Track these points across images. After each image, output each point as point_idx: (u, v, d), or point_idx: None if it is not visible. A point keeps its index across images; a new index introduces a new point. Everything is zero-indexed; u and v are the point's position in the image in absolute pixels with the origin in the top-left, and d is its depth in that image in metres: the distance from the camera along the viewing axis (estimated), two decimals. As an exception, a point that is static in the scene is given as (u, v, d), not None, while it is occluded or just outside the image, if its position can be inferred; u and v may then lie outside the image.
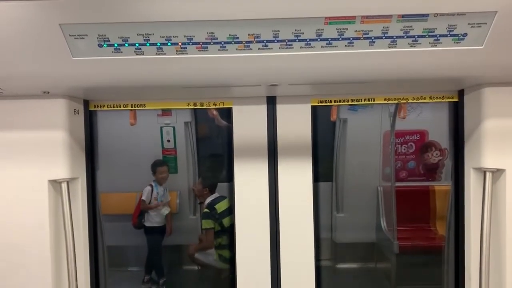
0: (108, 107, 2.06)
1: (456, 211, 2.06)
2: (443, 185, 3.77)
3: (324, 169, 3.63)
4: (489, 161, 1.81)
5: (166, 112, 3.59)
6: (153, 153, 3.73)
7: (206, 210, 3.38)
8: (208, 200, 3.41)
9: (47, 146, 1.85)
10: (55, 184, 1.88)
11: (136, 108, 2.04)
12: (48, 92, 1.78)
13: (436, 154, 3.82)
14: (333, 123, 3.56)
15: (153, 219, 3.56)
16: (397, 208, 3.48)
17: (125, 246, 3.67)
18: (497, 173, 1.82)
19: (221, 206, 3.32)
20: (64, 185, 1.87)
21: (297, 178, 2.02)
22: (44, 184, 1.85)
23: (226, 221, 3.23)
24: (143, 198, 3.49)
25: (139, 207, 3.54)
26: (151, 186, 3.50)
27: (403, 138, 3.90)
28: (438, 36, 1.43)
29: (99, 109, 2.06)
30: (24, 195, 1.86)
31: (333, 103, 2.02)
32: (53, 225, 1.89)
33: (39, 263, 1.87)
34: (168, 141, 3.84)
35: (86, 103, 2.03)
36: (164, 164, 3.61)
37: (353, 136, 3.71)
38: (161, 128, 3.79)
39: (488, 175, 1.81)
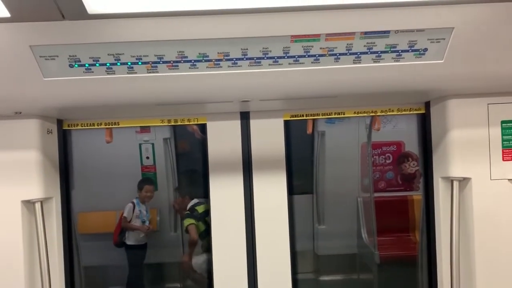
0: (82, 126, 2.05)
1: (428, 219, 2.11)
2: (421, 195, 3.83)
3: (304, 181, 3.66)
4: (456, 170, 1.87)
5: (144, 129, 3.58)
6: (132, 171, 3.70)
7: (187, 212, 3.34)
8: (189, 206, 3.37)
9: (20, 167, 1.83)
10: (28, 204, 1.86)
11: (110, 126, 2.04)
12: (20, 113, 1.78)
13: (413, 164, 3.88)
14: (312, 136, 3.61)
15: (133, 237, 3.51)
16: (377, 219, 3.51)
17: (105, 266, 3.60)
18: (464, 181, 1.88)
19: (201, 208, 3.30)
20: (37, 205, 1.85)
21: (272, 191, 2.05)
22: (17, 205, 1.83)
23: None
24: (125, 215, 3.43)
25: (120, 224, 3.49)
26: (133, 203, 3.46)
27: (380, 149, 3.96)
28: (400, 51, 1.49)
29: (73, 128, 2.06)
30: None
31: (305, 117, 2.07)
32: (27, 246, 1.86)
33: (12, 286, 1.83)
34: (147, 158, 3.82)
35: (59, 122, 2.03)
36: (152, 183, 3.56)
37: (332, 148, 3.75)
38: (140, 145, 3.77)
39: (455, 183, 1.87)
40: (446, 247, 1.92)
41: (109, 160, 3.36)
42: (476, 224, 1.84)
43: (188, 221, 3.34)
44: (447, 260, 1.90)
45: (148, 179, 3.61)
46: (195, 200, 3.38)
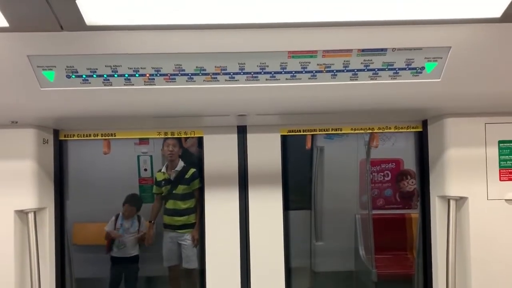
0: (78, 137, 2.05)
1: (424, 238, 2.08)
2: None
3: (302, 196, 3.64)
4: (453, 189, 1.86)
5: (143, 141, 3.57)
6: (129, 183, 3.68)
7: (193, 169, 3.12)
8: (181, 163, 3.24)
9: (14, 176, 1.82)
10: (21, 214, 1.84)
11: (107, 137, 2.04)
12: (17, 122, 1.78)
13: (412, 182, 3.87)
14: (310, 152, 3.60)
15: (115, 249, 3.42)
16: (375, 236, 3.49)
17: (99, 279, 3.55)
18: (461, 200, 1.87)
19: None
20: (31, 216, 1.83)
21: (268, 206, 2.03)
22: (10, 214, 1.82)
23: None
24: (105, 228, 3.39)
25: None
26: (116, 216, 3.41)
27: (379, 166, 3.94)
28: (397, 69, 1.49)
29: (70, 138, 2.05)
30: None
31: (302, 133, 2.06)
32: (18, 256, 1.84)
33: None
34: (145, 170, 3.80)
35: (56, 132, 2.02)
36: (133, 204, 3.45)
37: (331, 164, 3.74)
38: (138, 157, 3.76)
39: (452, 203, 1.86)
40: (443, 266, 1.89)
41: (107, 171, 3.35)
42: (473, 243, 1.82)
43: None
44: (443, 279, 1.88)
45: (131, 199, 3.51)
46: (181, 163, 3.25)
